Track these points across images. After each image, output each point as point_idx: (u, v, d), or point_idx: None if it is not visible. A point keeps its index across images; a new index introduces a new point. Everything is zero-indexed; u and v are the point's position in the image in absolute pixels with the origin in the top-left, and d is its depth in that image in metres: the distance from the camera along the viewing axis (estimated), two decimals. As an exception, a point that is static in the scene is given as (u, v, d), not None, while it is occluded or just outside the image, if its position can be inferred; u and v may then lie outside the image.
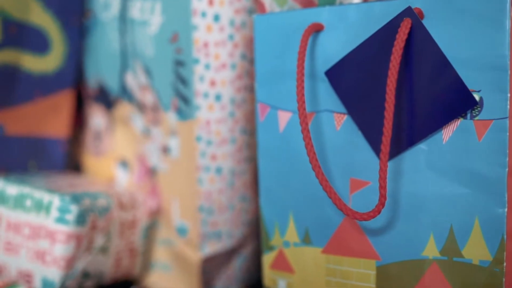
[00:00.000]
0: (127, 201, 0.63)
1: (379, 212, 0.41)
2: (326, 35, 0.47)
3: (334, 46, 0.46)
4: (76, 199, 0.57)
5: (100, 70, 0.67)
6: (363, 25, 0.45)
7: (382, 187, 0.40)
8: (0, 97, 0.61)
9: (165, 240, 0.65)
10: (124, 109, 0.66)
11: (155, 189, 0.65)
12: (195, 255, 0.61)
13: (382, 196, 0.41)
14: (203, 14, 0.55)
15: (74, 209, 0.56)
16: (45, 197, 0.57)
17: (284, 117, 0.49)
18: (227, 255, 0.64)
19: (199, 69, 0.56)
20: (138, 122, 0.65)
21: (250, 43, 0.57)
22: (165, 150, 0.62)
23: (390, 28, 0.43)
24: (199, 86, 0.56)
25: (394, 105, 0.42)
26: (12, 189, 0.58)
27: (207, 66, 0.56)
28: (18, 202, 0.58)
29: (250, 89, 0.59)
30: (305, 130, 0.43)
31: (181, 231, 0.62)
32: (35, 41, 0.63)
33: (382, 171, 0.40)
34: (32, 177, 0.62)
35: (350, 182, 0.46)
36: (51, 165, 0.67)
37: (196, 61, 0.56)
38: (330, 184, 0.43)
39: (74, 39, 0.67)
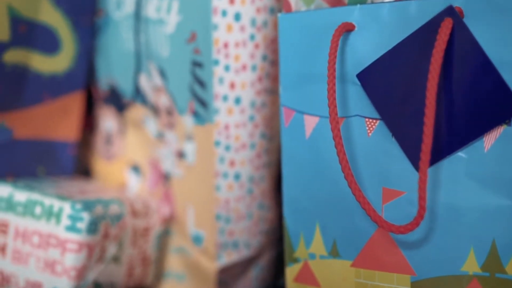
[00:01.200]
0: (140, 208, 0.60)
1: (418, 225, 0.38)
2: (357, 36, 0.44)
3: (366, 47, 0.44)
4: (88, 206, 0.54)
5: (112, 71, 0.64)
6: (397, 25, 0.42)
7: (422, 198, 0.38)
8: (9, 100, 0.58)
9: (178, 248, 0.63)
10: (136, 112, 0.64)
11: (168, 195, 0.63)
12: (211, 265, 0.59)
13: (422, 208, 0.38)
14: (224, 13, 0.52)
15: (86, 217, 0.54)
16: (56, 204, 0.54)
17: (311, 122, 0.47)
18: (244, 265, 0.61)
19: (218, 71, 0.53)
20: (152, 125, 0.62)
21: (271, 44, 0.55)
22: (180, 155, 0.60)
23: (429, 29, 0.40)
24: (218, 89, 0.54)
25: (435, 111, 0.39)
26: (20, 195, 0.56)
27: (226, 68, 0.53)
28: (27, 209, 0.55)
29: (270, 92, 0.56)
30: (337, 137, 0.40)
31: (196, 240, 0.60)
32: (45, 41, 0.61)
33: (422, 181, 0.38)
34: (41, 183, 0.60)
35: (383, 192, 0.43)
36: (60, 170, 0.64)
37: (216, 62, 0.53)
38: (363, 195, 0.40)
39: (85, 38, 0.64)
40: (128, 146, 0.66)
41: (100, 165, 0.69)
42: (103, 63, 0.65)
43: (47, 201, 0.55)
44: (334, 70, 0.42)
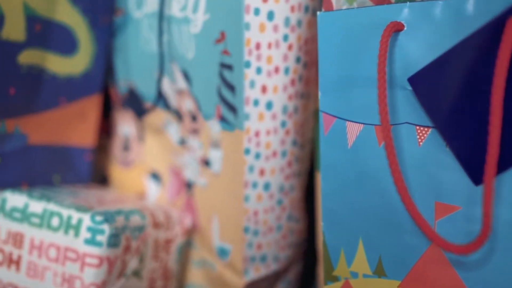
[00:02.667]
0: (162, 219, 0.56)
1: (482, 245, 0.35)
2: (406, 36, 0.41)
3: (416, 49, 0.40)
4: (108, 218, 0.51)
5: (131, 73, 0.61)
6: (452, 25, 0.39)
7: (487, 215, 0.34)
8: (24, 103, 0.54)
9: (201, 261, 0.59)
10: (157, 116, 0.60)
11: (190, 205, 0.59)
12: (238, 280, 0.55)
13: (486, 227, 0.34)
14: (256, 11, 0.48)
15: (106, 229, 0.50)
16: (74, 215, 0.51)
17: (354, 130, 0.43)
18: (272, 280, 0.57)
19: (249, 73, 0.50)
20: (173, 131, 0.59)
21: (305, 45, 0.51)
22: (205, 162, 0.56)
23: (492, 28, 0.37)
24: (249, 93, 0.50)
25: (501, 119, 0.36)
26: (36, 205, 0.52)
27: (258, 70, 0.50)
28: (44, 221, 0.52)
29: (302, 96, 0.52)
30: (389, 147, 0.37)
31: (222, 253, 0.56)
32: (61, 41, 0.57)
33: (487, 196, 0.34)
34: (57, 192, 0.56)
35: (435, 206, 0.40)
36: (76, 177, 0.60)
37: (247, 64, 0.49)
38: (417, 209, 0.37)
39: (103, 39, 0.60)
40: (147, 153, 0.63)
41: (118, 172, 0.65)
42: (121, 65, 0.62)
43: (65, 212, 0.51)
44: (385, 74, 0.38)
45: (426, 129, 0.40)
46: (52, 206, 0.52)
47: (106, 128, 0.67)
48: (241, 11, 0.48)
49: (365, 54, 0.43)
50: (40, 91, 0.56)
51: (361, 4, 0.44)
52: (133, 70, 0.60)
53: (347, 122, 0.44)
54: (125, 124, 0.64)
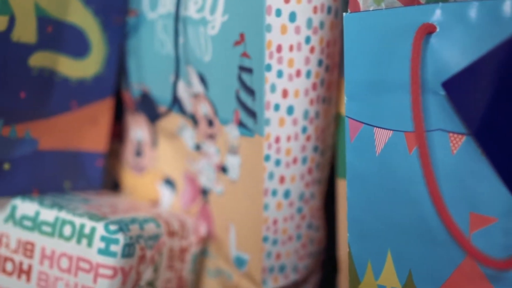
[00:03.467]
0: (177, 227, 0.54)
1: (524, 261, 0.33)
2: (439, 39, 0.39)
3: (450, 52, 0.38)
4: (122, 227, 0.49)
5: (145, 76, 0.59)
6: (488, 27, 0.37)
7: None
8: (34, 107, 0.53)
9: (217, 271, 0.57)
10: (171, 120, 0.58)
11: (206, 212, 0.57)
12: (256, 291, 0.53)
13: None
14: (278, 12, 0.46)
15: (121, 238, 0.48)
16: (87, 224, 0.49)
17: (383, 137, 0.41)
18: (290, 290, 0.55)
19: (270, 77, 0.48)
20: (188, 136, 0.57)
21: (327, 47, 0.49)
22: (222, 169, 0.54)
23: (533, 31, 0.35)
24: (270, 97, 0.48)
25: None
26: (48, 213, 0.50)
27: (279, 74, 0.48)
28: (56, 229, 0.50)
29: (323, 101, 0.51)
30: (424, 155, 0.35)
31: (239, 262, 0.54)
32: (73, 43, 0.55)
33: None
34: (69, 199, 0.54)
35: (470, 217, 0.38)
36: (87, 183, 0.59)
37: (268, 67, 0.47)
38: (454, 221, 0.35)
39: (116, 40, 0.59)
40: (160, 158, 0.61)
41: (130, 178, 0.63)
42: (134, 68, 0.60)
43: (78, 220, 0.49)
44: (419, 78, 0.36)
45: (460, 136, 0.38)
46: (64, 214, 0.50)
47: (118, 133, 0.65)
48: (262, 12, 0.46)
49: (394, 57, 0.41)
50: (51, 95, 0.54)
51: (389, 5, 0.42)
52: (147, 73, 0.59)
53: (375, 128, 0.42)
54: (137, 129, 0.62)
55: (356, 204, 0.43)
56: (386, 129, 0.41)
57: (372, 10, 0.42)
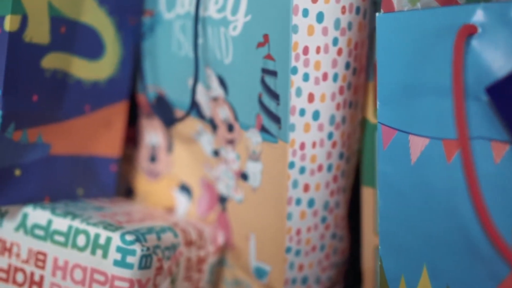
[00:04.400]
0: (195, 236, 0.52)
1: None
2: (480, 41, 0.36)
3: (493, 55, 0.36)
4: (139, 237, 0.47)
5: (161, 78, 0.57)
6: (535, 28, 0.35)
7: None
8: (47, 111, 0.50)
9: (235, 281, 0.55)
10: (188, 124, 0.56)
11: (224, 221, 0.55)
12: (277, 304, 0.51)
13: None
14: (305, 13, 0.44)
15: (138, 249, 0.46)
16: (102, 234, 0.47)
17: (418, 144, 0.39)
18: (312, 303, 0.53)
19: (296, 80, 0.45)
20: (206, 141, 0.55)
21: (355, 49, 0.47)
22: (242, 176, 0.52)
23: None
24: (295, 101, 0.46)
25: None
26: (61, 222, 0.48)
27: (305, 77, 0.45)
28: (69, 239, 0.47)
29: (350, 105, 0.48)
30: (469, 164, 0.32)
31: (259, 273, 0.52)
32: (87, 44, 0.53)
33: None
34: (82, 207, 0.52)
35: (515, 231, 0.35)
36: (101, 189, 0.56)
37: (294, 70, 0.45)
38: (499, 234, 0.32)
39: (131, 42, 0.56)
40: (176, 164, 0.58)
41: (144, 184, 0.61)
42: (150, 70, 0.58)
43: (92, 230, 0.47)
44: (461, 82, 0.34)
45: (503, 144, 0.36)
46: (78, 223, 0.48)
47: (131, 137, 0.62)
48: (288, 13, 0.44)
49: (432, 59, 0.38)
50: (64, 98, 0.52)
51: (425, 5, 0.40)
52: (163, 75, 0.56)
53: (410, 135, 0.39)
54: (152, 133, 0.60)
55: (388, 216, 0.41)
56: (422, 136, 0.39)
57: (407, 10, 0.40)
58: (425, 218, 0.39)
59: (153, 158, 0.60)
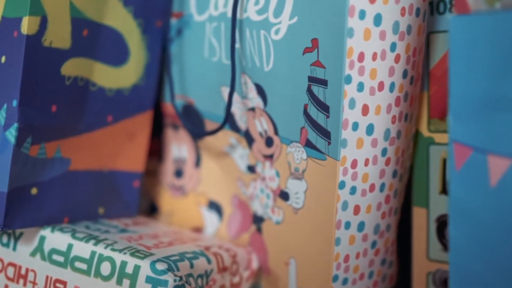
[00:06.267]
0: (228, 262, 0.47)
1: None
2: None
3: None
4: (171, 265, 0.42)
5: (189, 86, 0.52)
6: None
7: None
8: (67, 123, 0.45)
9: (270, 310, 0.50)
10: (220, 137, 0.51)
11: (258, 243, 0.50)
12: (321, 338, 0.46)
13: None
14: (362, 15, 0.39)
15: (170, 280, 0.41)
16: (130, 261, 0.42)
17: (500, 165, 0.34)
18: (358, 335, 0.48)
19: (350, 91, 0.40)
20: (239, 155, 0.50)
21: (413, 56, 0.42)
22: (281, 195, 0.47)
23: None
24: (349, 114, 0.41)
25: None
26: (82, 247, 0.43)
27: (360, 87, 0.40)
28: (91, 267, 0.42)
29: (405, 118, 0.43)
30: None
31: (300, 303, 0.47)
32: (111, 48, 0.48)
33: None
34: (105, 230, 0.47)
35: None
36: (124, 207, 0.51)
37: (348, 79, 0.40)
38: None
39: (157, 46, 0.51)
40: (204, 179, 0.53)
41: (169, 200, 0.56)
42: (178, 77, 0.53)
43: (118, 257, 0.42)
44: None
45: None
46: (101, 249, 0.43)
47: (155, 150, 0.57)
48: (343, 14, 0.39)
49: (515, 69, 0.33)
50: (85, 108, 0.47)
51: (506, 5, 0.35)
52: (192, 83, 0.51)
53: (489, 155, 0.34)
54: (178, 146, 0.55)
55: (462, 246, 0.36)
56: (504, 156, 0.34)
57: (486, 12, 0.35)
58: (506, 250, 0.34)
59: (178, 173, 0.55)
